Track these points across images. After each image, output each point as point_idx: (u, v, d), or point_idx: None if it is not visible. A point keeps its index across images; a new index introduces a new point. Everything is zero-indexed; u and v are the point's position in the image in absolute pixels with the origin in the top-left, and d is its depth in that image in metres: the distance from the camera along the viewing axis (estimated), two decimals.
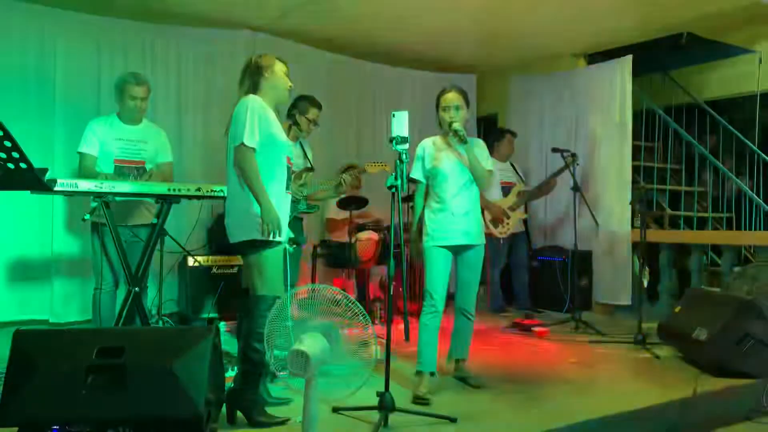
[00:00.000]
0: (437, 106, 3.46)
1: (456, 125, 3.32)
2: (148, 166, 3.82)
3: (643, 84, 6.14)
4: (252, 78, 2.95)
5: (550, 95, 6.51)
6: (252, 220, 2.78)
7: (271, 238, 2.78)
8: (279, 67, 2.99)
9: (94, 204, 3.32)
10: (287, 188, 2.98)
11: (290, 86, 3.05)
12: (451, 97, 3.39)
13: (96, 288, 3.71)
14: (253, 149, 2.77)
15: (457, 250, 3.41)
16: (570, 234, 5.51)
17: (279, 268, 2.91)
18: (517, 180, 5.99)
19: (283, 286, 2.93)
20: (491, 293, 5.98)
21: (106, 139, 3.73)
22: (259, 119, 2.81)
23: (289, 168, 3.00)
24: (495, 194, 5.66)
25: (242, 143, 2.76)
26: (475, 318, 3.54)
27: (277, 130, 2.92)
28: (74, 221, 4.80)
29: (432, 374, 3.29)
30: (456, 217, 3.35)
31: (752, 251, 5.33)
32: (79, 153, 3.71)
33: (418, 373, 3.28)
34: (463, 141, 3.30)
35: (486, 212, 5.77)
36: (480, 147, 3.49)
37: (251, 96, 2.89)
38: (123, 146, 3.76)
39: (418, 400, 3.10)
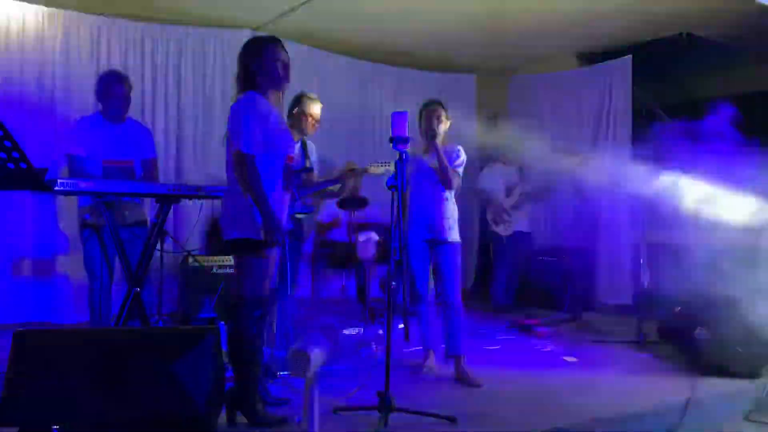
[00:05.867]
0: (419, 116, 3.68)
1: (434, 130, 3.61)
2: (135, 165, 3.70)
3: (643, 84, 6.15)
4: (245, 70, 2.77)
5: (550, 95, 6.51)
6: (248, 218, 2.68)
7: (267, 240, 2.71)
8: (272, 51, 2.77)
9: (82, 204, 3.26)
10: (285, 187, 2.86)
11: (283, 72, 2.80)
12: (433, 108, 3.67)
13: (91, 287, 3.67)
14: (252, 156, 2.66)
15: (430, 245, 3.68)
16: (570, 234, 5.50)
17: (269, 270, 2.83)
18: (521, 181, 5.97)
19: (267, 288, 2.81)
20: (495, 292, 5.96)
21: (92, 139, 3.58)
22: (254, 121, 2.68)
23: (287, 166, 2.87)
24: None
25: (239, 150, 2.66)
26: (459, 308, 3.61)
27: (276, 126, 2.77)
28: (74, 221, 4.79)
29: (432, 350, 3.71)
30: (418, 214, 3.63)
31: None
32: (67, 155, 3.56)
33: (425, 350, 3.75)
34: (433, 137, 3.58)
35: (488, 211, 5.77)
36: (454, 151, 3.68)
37: (247, 94, 2.74)
38: (110, 146, 3.61)
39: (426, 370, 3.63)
